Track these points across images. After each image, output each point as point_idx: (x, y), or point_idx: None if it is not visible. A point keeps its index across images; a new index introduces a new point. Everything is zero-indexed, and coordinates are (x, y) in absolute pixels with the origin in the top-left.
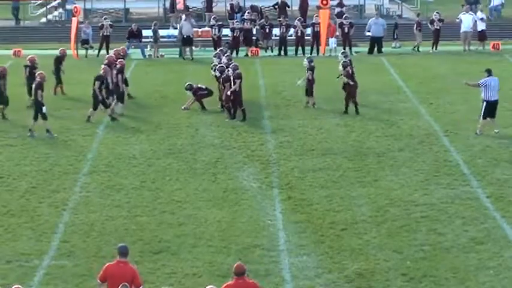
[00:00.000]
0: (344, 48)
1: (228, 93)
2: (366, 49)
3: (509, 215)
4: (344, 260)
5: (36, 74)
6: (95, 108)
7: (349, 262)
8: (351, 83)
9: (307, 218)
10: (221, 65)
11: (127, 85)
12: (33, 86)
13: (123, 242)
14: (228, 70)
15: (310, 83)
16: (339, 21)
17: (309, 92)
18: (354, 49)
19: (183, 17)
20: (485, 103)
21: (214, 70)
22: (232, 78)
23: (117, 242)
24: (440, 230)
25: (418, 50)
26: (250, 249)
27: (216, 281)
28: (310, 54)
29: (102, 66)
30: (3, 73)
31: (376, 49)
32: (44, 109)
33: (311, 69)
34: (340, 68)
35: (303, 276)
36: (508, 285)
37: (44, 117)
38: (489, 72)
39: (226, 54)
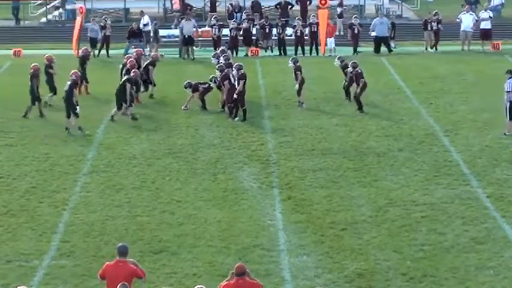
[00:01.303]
0: (354, 49)
1: (235, 96)
2: (367, 49)
3: (509, 215)
4: (344, 260)
5: (71, 73)
6: (119, 108)
7: (349, 262)
8: (365, 82)
9: (307, 218)
10: (220, 64)
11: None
12: (68, 83)
13: (123, 242)
14: (233, 70)
15: (300, 83)
16: (349, 22)
17: (298, 91)
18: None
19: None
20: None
21: (214, 81)
22: (236, 78)
23: (117, 242)
24: (440, 230)
25: (436, 48)
26: (250, 249)
27: (216, 281)
28: (310, 54)
29: (134, 70)
30: (36, 72)
31: (384, 48)
32: (78, 108)
33: (298, 69)
34: (350, 69)
35: (303, 276)
36: (508, 285)
37: (76, 115)
38: (511, 73)
39: (224, 55)
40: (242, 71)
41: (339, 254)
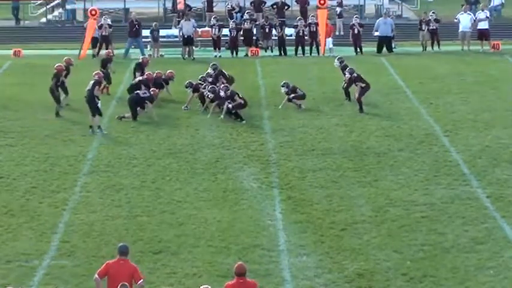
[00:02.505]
0: (355, 49)
1: (230, 106)
2: (366, 49)
3: (509, 215)
4: (344, 260)
5: (94, 73)
6: (134, 117)
7: (349, 262)
8: (362, 85)
9: (307, 218)
10: (210, 83)
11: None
12: (91, 83)
13: (123, 242)
14: (220, 92)
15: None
16: (350, 23)
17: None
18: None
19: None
20: None
21: (206, 87)
22: (227, 97)
23: (117, 242)
24: (440, 230)
25: (433, 47)
26: (250, 249)
27: (216, 281)
28: (310, 54)
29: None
30: (59, 73)
31: (385, 49)
32: (99, 104)
33: (294, 90)
34: (348, 75)
35: (303, 276)
36: (508, 285)
37: (100, 113)
38: None
39: (212, 65)
40: (229, 91)
41: (339, 254)
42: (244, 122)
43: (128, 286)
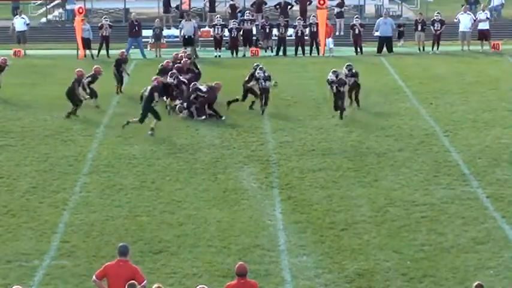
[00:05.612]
0: (356, 49)
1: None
2: (366, 49)
3: (509, 215)
4: (344, 260)
5: (153, 78)
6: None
7: (349, 262)
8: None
9: (307, 218)
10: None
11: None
12: (148, 88)
13: (123, 242)
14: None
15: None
16: (351, 23)
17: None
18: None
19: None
20: None
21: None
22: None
23: (117, 242)
24: (440, 230)
25: (424, 49)
26: (250, 249)
27: (216, 281)
28: (310, 54)
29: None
30: (79, 78)
31: (385, 49)
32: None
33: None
34: (341, 88)
35: (303, 276)
36: (508, 285)
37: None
38: None
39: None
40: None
41: (339, 254)
42: (223, 118)
43: (136, 285)
